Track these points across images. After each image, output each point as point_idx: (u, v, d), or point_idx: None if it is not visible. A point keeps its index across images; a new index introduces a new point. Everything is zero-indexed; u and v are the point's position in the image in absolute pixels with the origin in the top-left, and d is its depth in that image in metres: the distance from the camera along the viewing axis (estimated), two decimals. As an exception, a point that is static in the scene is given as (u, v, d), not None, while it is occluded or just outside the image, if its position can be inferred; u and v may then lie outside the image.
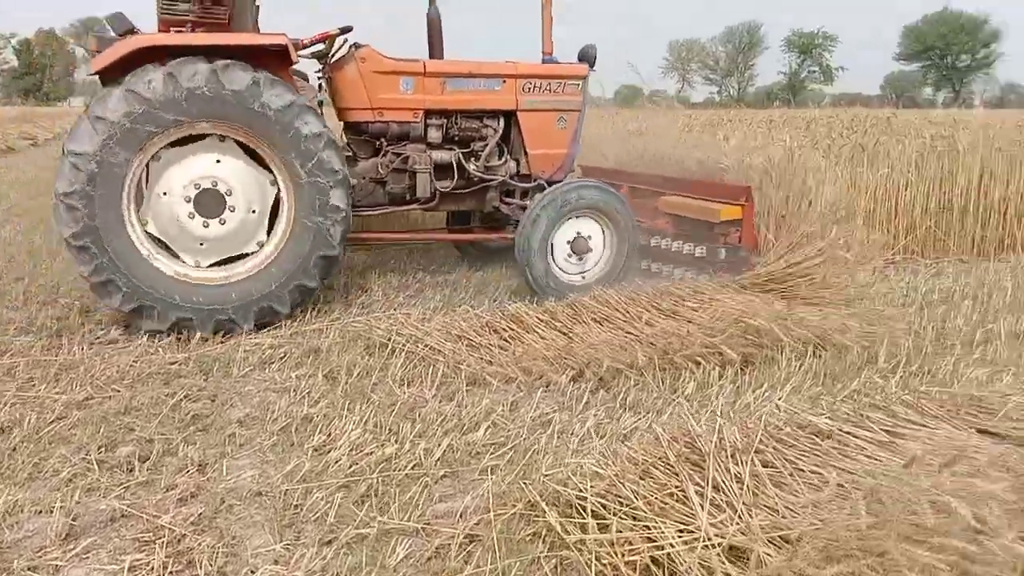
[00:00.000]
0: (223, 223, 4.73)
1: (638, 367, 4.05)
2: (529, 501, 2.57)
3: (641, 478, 2.52)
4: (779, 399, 3.63)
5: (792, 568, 2.01)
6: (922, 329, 4.78)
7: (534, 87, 5.77)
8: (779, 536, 2.15)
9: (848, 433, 2.80)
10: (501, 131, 5.78)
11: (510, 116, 5.79)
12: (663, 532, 2.26)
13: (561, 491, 2.53)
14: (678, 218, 5.86)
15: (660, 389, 3.90)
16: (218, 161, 4.71)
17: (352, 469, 3.00)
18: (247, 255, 4.83)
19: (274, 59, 4.76)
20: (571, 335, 4.43)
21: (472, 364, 4.03)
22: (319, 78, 5.68)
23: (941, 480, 2.26)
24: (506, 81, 5.69)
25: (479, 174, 5.73)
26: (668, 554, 2.20)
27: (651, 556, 2.20)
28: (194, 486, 2.93)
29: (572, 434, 3.34)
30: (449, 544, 2.48)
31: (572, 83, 5.89)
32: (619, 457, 2.68)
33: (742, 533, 2.18)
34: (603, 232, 5.57)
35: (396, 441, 3.23)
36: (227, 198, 4.72)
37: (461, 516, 2.66)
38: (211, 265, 4.79)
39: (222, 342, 4.62)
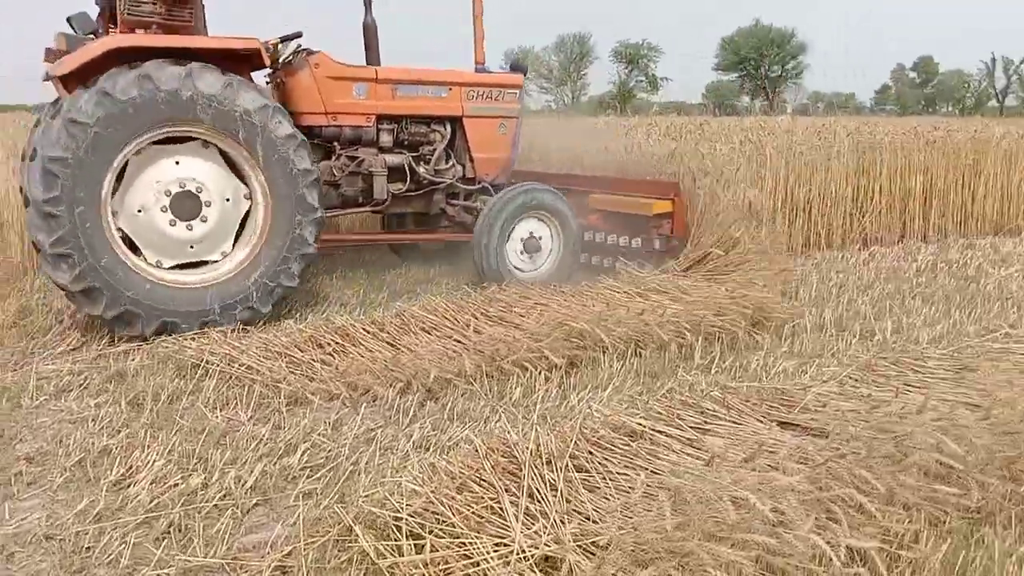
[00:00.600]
0: (204, 222, 4.79)
1: (466, 375, 4.01)
2: (344, 525, 2.46)
3: (458, 492, 2.46)
4: (600, 400, 3.69)
5: (602, 575, 2.01)
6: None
7: (478, 95, 6.11)
8: (591, 543, 2.15)
9: (660, 432, 2.87)
10: (448, 136, 6.08)
11: (456, 122, 6.10)
12: (478, 547, 2.21)
13: (377, 512, 2.43)
14: (612, 214, 6.21)
15: (488, 397, 3.88)
16: (177, 163, 4.73)
17: (153, 504, 2.78)
18: (218, 260, 4.89)
19: (243, 62, 4.90)
20: (398, 346, 4.33)
21: (292, 382, 3.85)
22: (267, 82, 5.58)
23: (742, 475, 2.33)
24: (452, 89, 6.01)
25: (428, 177, 6.01)
26: (484, 570, 2.15)
27: (466, 574, 2.15)
28: (-30, 535, 2.62)
29: (396, 450, 3.25)
30: (256, 579, 2.33)
31: (511, 91, 6.30)
32: (437, 472, 2.61)
33: (555, 542, 2.17)
34: (551, 232, 5.98)
35: (204, 470, 3.02)
36: (201, 197, 4.76)
37: (271, 547, 2.50)
38: (186, 267, 4.81)
39: (14, 370, 4.20)
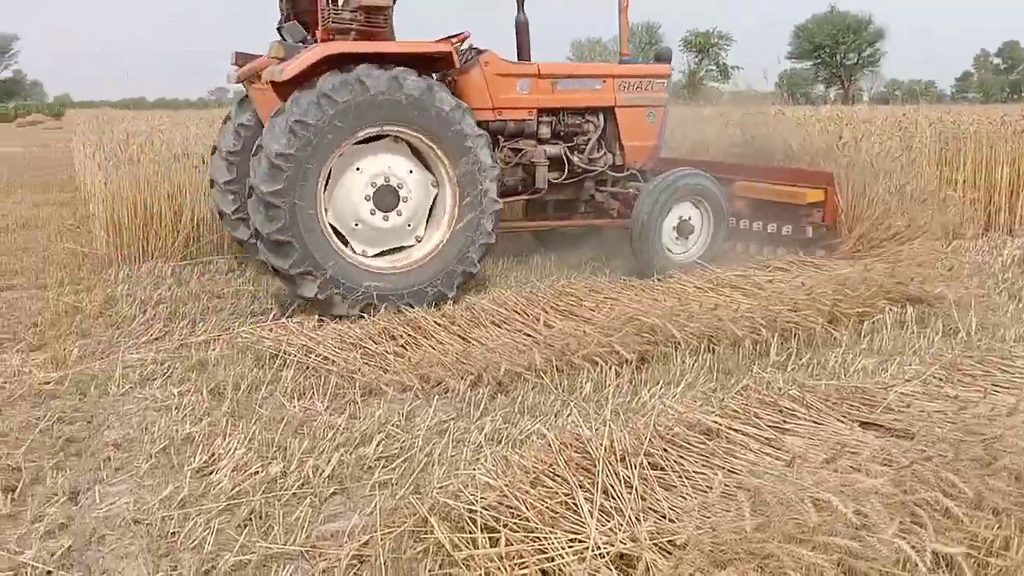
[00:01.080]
0: (400, 215, 5.22)
1: (536, 369, 4.02)
2: (420, 516, 2.49)
3: (532, 486, 2.47)
4: (673, 397, 3.65)
5: (679, 574, 1.99)
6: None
7: (629, 86, 6.34)
8: (667, 541, 2.13)
9: (736, 431, 2.82)
10: (601, 126, 6.34)
11: (608, 112, 6.33)
12: (553, 542, 2.21)
13: (452, 504, 2.45)
14: (761, 201, 6.33)
15: (558, 391, 3.87)
16: (374, 159, 5.16)
17: (235, 491, 2.86)
18: (411, 246, 5.34)
19: (435, 64, 5.40)
20: (469, 339, 4.37)
21: (367, 373, 3.92)
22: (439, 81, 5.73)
23: (824, 477, 2.28)
24: (605, 81, 6.28)
25: (583, 166, 6.29)
26: (558, 565, 2.15)
27: (541, 568, 2.15)
28: (64, 517, 2.74)
29: (468, 442, 3.28)
30: (335, 568, 2.38)
31: (659, 81, 6.53)
32: (510, 465, 2.62)
33: (631, 540, 2.16)
34: (703, 216, 6.17)
35: (283, 459, 3.10)
36: (400, 192, 5.20)
37: (349, 536, 2.55)
38: (382, 254, 5.27)
39: (101, 359, 4.37)
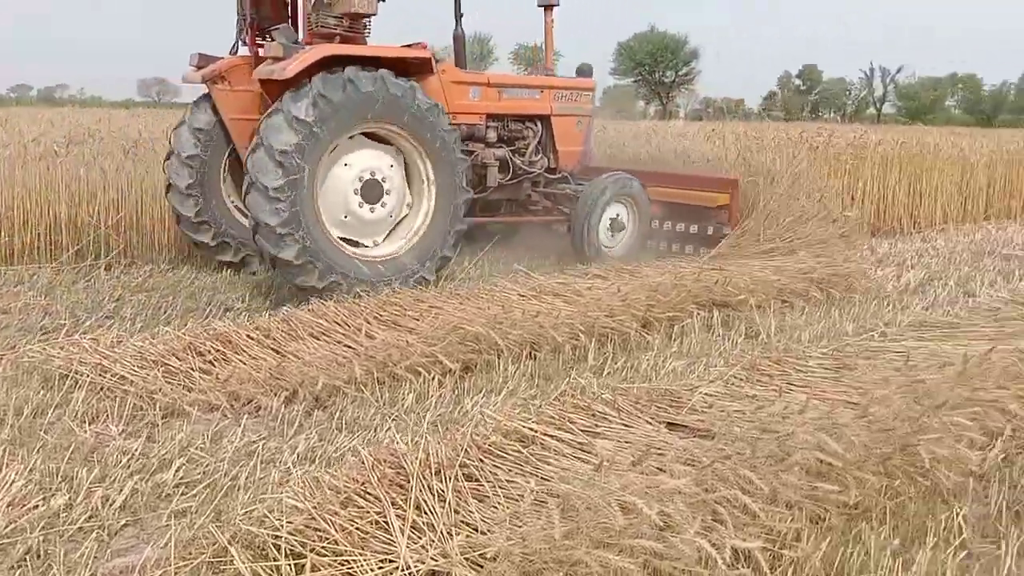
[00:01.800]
0: (383, 206, 5.69)
1: (356, 382, 3.89)
2: (219, 546, 2.32)
3: (343, 507, 2.36)
4: (494, 405, 3.64)
5: (489, 589, 1.95)
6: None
7: (562, 96, 7.13)
8: (478, 555, 2.09)
9: (551, 436, 2.84)
10: (539, 133, 7.05)
11: (545, 120, 7.07)
12: (362, 564, 2.12)
13: (255, 531, 2.31)
14: (672, 204, 7.16)
15: (379, 404, 3.77)
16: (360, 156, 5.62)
17: (8, 528, 2.56)
18: (395, 234, 5.86)
19: (414, 69, 5.88)
20: (284, 353, 4.17)
21: (168, 392, 3.64)
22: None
23: (631, 480, 2.32)
24: (543, 92, 7.02)
25: (523, 168, 6.94)
26: (367, 588, 2.07)
27: (348, 593, 2.06)
28: None
29: (278, 464, 3.11)
30: (121, 607, 2.17)
31: (586, 94, 7.36)
32: (321, 486, 2.50)
33: (442, 556, 2.10)
34: (629, 215, 7.01)
35: (69, 490, 2.82)
36: (384, 185, 5.67)
37: (140, 572, 2.34)
38: (371, 243, 5.77)
39: None
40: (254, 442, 3.31)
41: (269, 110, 5.25)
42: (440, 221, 5.82)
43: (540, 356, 4.42)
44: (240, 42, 6.21)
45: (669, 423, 3.02)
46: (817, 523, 2.59)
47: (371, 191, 5.62)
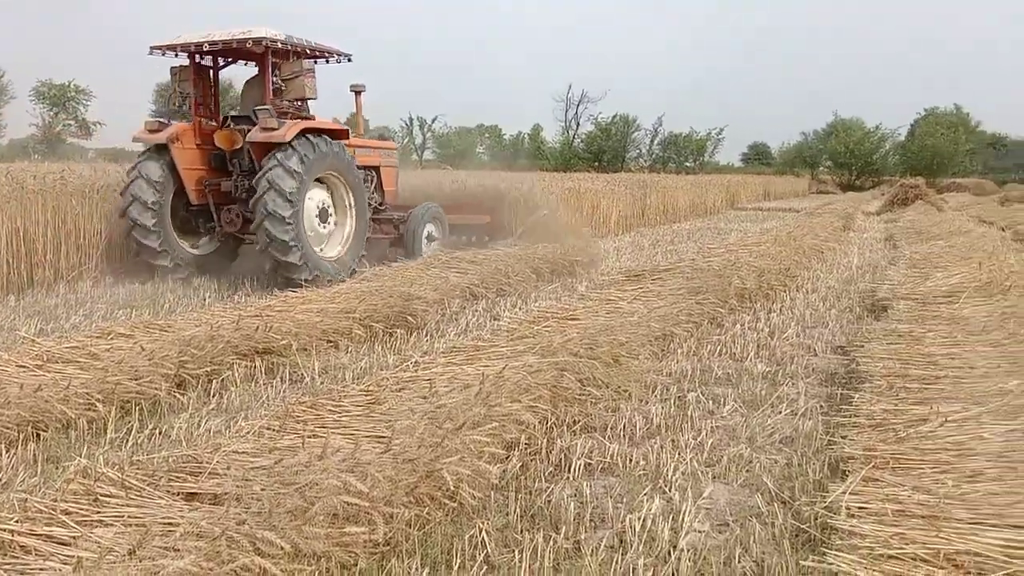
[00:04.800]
0: (330, 224, 8.76)
1: None
2: None
3: None
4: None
5: None
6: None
7: (383, 153, 10.49)
8: None
9: (40, 535, 2.37)
10: (374, 178, 10.03)
11: (376, 169, 10.10)
12: None
13: None
14: (461, 224, 11.11)
15: None
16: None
17: None
18: (338, 243, 8.90)
19: (341, 135, 8.95)
20: None
21: None
22: None
23: (126, 570, 2.00)
24: (375, 149, 10.34)
25: (372, 204, 9.69)
26: None
27: None
28: None
29: None
30: None
31: (393, 151, 11.01)
32: None
33: None
34: (439, 231, 10.47)
35: None
36: (329, 211, 8.72)
37: None
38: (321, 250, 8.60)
39: None
40: None
41: (268, 165, 7.93)
42: (357, 235, 8.96)
43: (46, 436, 3.78)
44: (180, 113, 9.59)
45: (189, 493, 2.73)
46: (348, 568, 2.51)
47: (324, 214, 8.60)
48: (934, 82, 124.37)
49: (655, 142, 50.07)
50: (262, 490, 2.53)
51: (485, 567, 2.70)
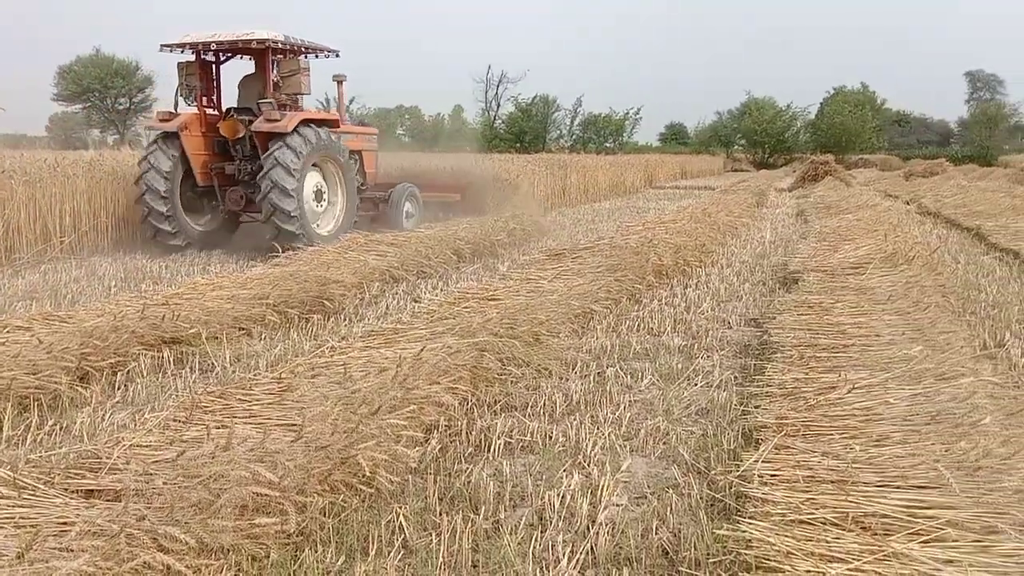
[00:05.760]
0: (324, 202, 10.02)
1: None
2: None
3: None
4: None
5: None
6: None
7: (365, 138, 11.60)
8: None
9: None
10: (358, 160, 11.06)
11: (359, 152, 11.18)
12: None
13: None
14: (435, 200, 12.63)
15: None
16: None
17: None
18: (332, 217, 10.22)
19: (333, 124, 10.46)
20: None
21: None
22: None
23: (13, 574, 1.88)
24: (358, 135, 11.41)
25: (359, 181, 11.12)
26: None
27: None
28: None
29: None
30: None
31: (373, 136, 12.02)
32: None
33: None
34: (416, 208, 11.87)
35: None
36: (324, 191, 10.00)
37: None
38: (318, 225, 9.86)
39: None
40: None
41: (274, 147, 9.12)
42: (349, 210, 10.19)
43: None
44: (187, 103, 10.01)
45: (87, 491, 2.60)
46: (259, 561, 2.43)
47: (319, 195, 9.81)
48: (842, 60, 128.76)
49: (575, 123, 50.25)
50: (164, 484, 2.43)
51: (403, 552, 2.65)
